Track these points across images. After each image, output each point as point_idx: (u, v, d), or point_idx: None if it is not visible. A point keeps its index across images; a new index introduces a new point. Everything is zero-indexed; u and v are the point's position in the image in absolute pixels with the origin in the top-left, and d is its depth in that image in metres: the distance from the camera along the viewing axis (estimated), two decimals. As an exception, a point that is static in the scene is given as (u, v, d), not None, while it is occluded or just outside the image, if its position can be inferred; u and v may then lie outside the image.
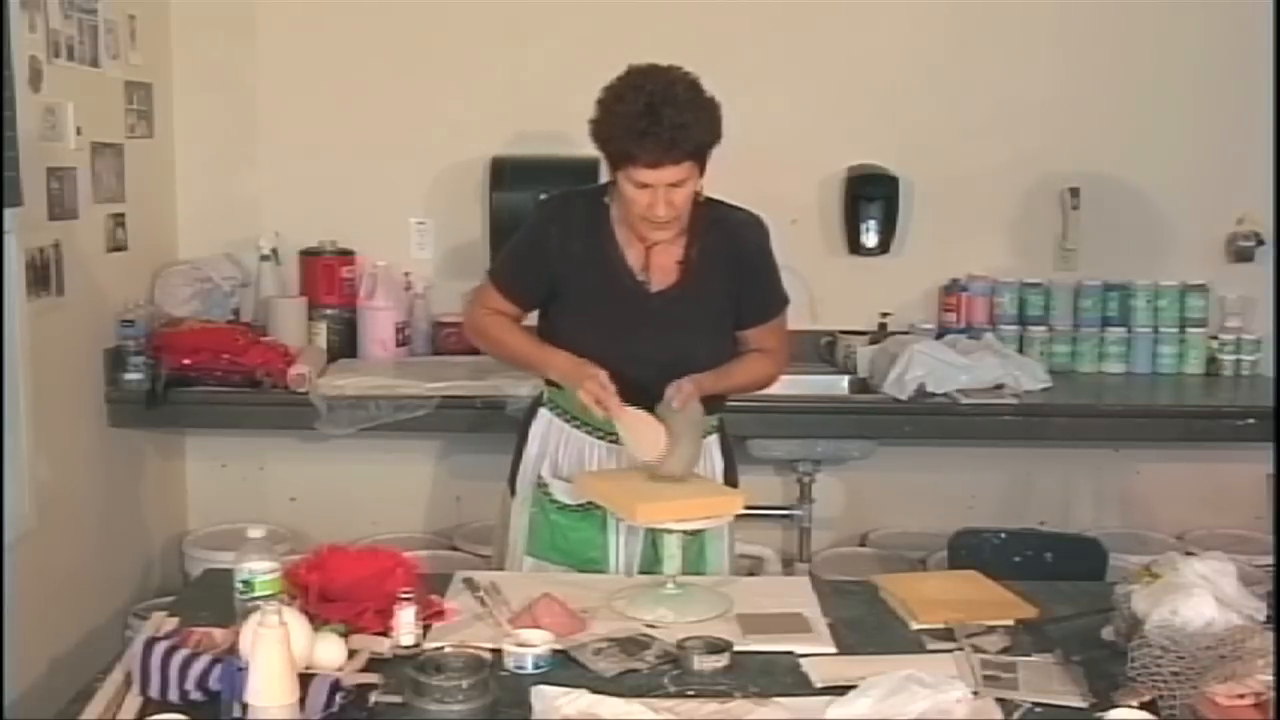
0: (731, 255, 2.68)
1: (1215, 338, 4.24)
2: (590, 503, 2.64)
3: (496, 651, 2.13)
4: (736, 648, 2.17)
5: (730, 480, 2.79)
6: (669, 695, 2.04)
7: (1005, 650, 2.22)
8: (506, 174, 4.09)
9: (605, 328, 2.62)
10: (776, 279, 2.76)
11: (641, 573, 2.63)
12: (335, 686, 1.92)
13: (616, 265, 2.65)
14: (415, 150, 4.23)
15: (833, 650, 2.23)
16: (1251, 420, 3.78)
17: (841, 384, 4.09)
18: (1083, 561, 3.36)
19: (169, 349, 3.75)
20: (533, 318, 2.79)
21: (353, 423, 3.69)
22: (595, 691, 1.97)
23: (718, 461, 2.78)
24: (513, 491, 2.80)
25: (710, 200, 2.65)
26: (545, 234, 2.68)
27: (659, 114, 2.43)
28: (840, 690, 1.98)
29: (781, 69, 4.16)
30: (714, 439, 2.77)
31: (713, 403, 2.65)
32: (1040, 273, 4.29)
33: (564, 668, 2.12)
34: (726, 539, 2.76)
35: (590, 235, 2.65)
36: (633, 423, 2.49)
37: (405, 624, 2.16)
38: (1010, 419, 3.80)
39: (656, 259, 2.65)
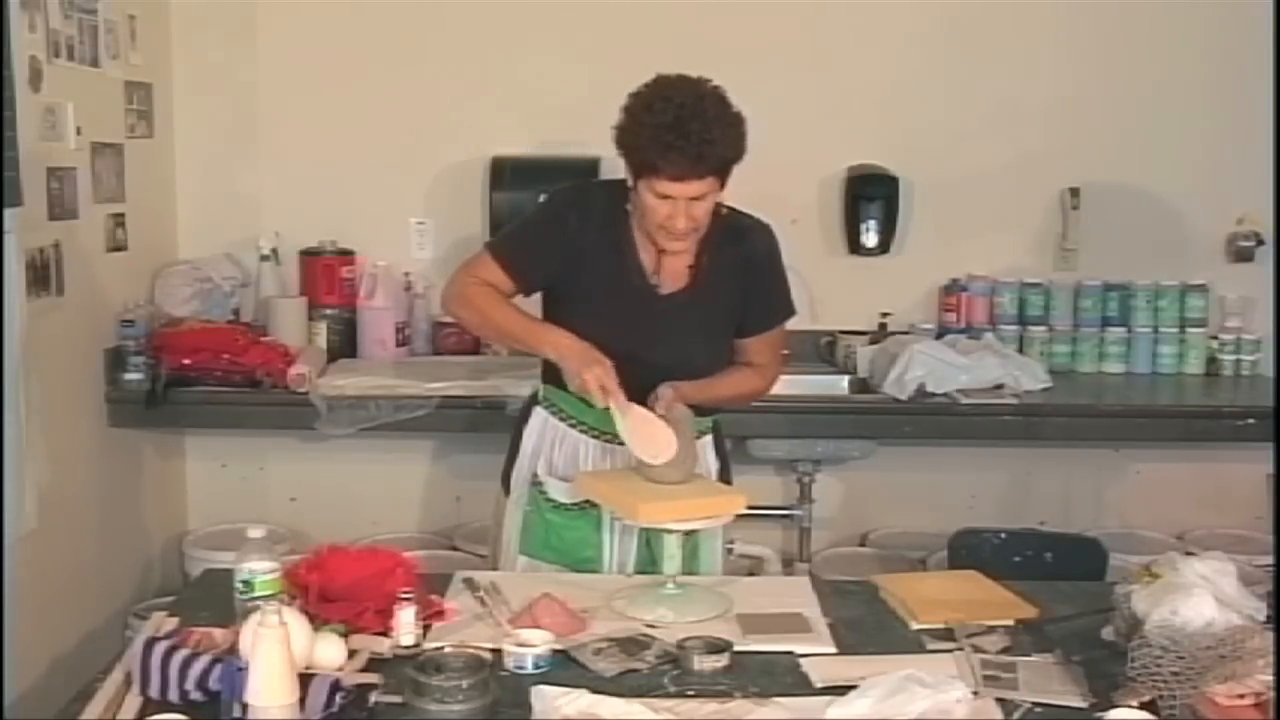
0: (741, 263, 2.67)
1: (1215, 338, 4.24)
2: (585, 501, 2.63)
3: (496, 651, 2.13)
4: (736, 648, 2.17)
5: (724, 480, 2.79)
6: (669, 695, 2.04)
7: (1005, 650, 2.22)
8: (506, 174, 4.09)
9: (610, 324, 2.60)
10: (784, 288, 2.75)
11: (637, 573, 2.63)
12: (335, 686, 1.92)
13: (629, 263, 2.64)
14: (415, 150, 4.23)
15: (833, 650, 2.23)
16: (1251, 420, 3.78)
17: (841, 384, 4.09)
18: (1083, 561, 3.37)
19: (169, 349, 3.75)
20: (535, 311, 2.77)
21: (353, 423, 3.69)
22: (595, 691, 1.97)
23: (713, 462, 2.78)
24: (506, 490, 2.79)
25: (724, 207, 2.63)
26: (564, 217, 2.65)
27: (687, 127, 2.41)
28: (840, 690, 1.98)
29: (781, 69, 4.16)
30: (708, 440, 2.77)
31: (703, 408, 2.65)
32: (1040, 273, 4.29)
33: (564, 668, 2.12)
34: (720, 538, 2.75)
35: (607, 229, 2.63)
36: (639, 422, 2.47)
37: (405, 624, 2.16)
38: (1010, 419, 3.80)
39: (669, 262, 2.64)
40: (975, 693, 2.02)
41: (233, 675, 1.89)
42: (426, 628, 2.23)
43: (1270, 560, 3.50)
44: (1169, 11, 4.18)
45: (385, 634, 2.17)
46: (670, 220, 2.51)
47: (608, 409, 2.49)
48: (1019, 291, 4.26)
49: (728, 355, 2.73)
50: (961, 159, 4.24)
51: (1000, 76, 4.23)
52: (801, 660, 2.17)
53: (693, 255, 2.65)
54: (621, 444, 2.58)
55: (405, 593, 2.18)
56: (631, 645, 2.19)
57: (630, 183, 2.57)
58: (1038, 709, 2.01)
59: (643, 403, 2.50)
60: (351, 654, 2.10)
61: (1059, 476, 4.33)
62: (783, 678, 2.11)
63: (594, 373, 2.46)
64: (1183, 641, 1.98)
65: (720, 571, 2.74)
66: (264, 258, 4.20)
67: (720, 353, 2.72)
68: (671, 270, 2.65)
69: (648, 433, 2.46)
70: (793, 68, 4.19)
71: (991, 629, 2.29)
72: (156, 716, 1.90)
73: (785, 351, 2.93)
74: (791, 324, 2.83)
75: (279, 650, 1.85)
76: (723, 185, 2.53)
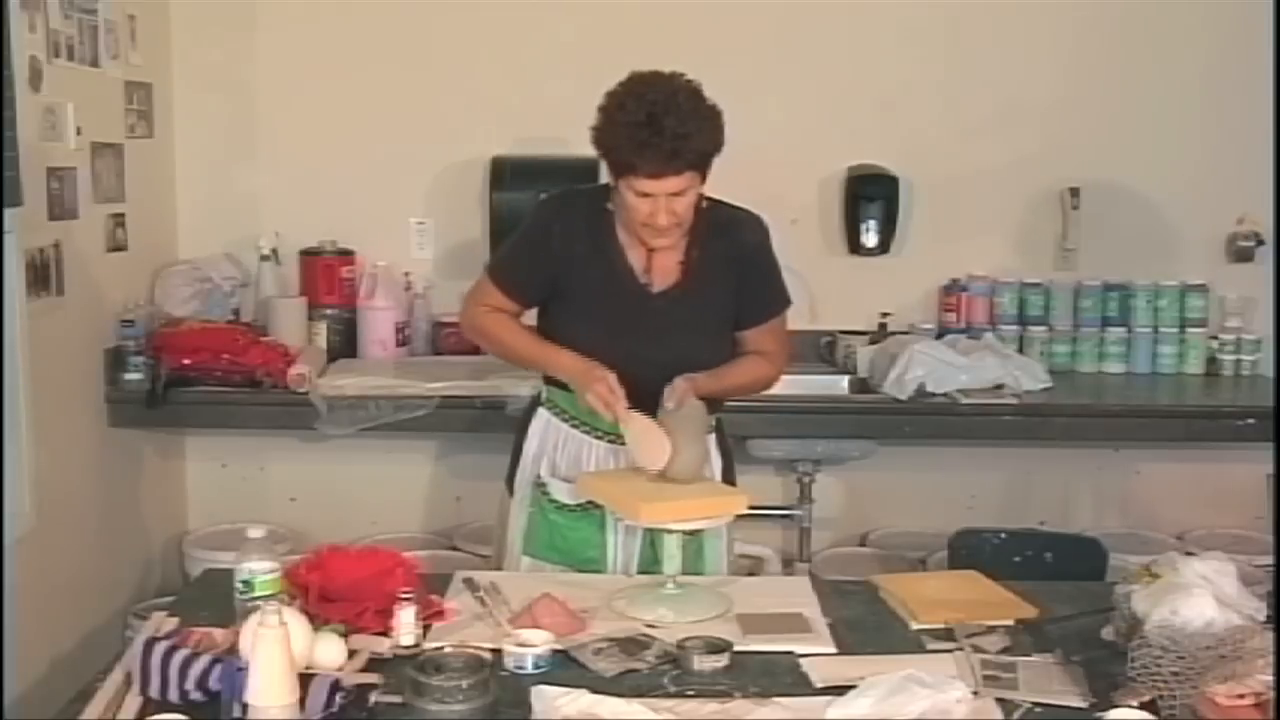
0: (733, 256, 2.68)
1: (1215, 338, 4.24)
2: (589, 502, 2.63)
3: (496, 651, 2.13)
4: (736, 648, 2.17)
5: (728, 479, 2.79)
6: (669, 695, 2.04)
7: (1005, 650, 2.22)
8: (506, 174, 4.09)
9: (606, 328, 2.62)
10: (778, 278, 2.76)
11: (640, 573, 2.63)
12: (335, 686, 1.92)
13: (618, 265, 2.64)
14: (415, 150, 4.23)
15: (833, 650, 2.23)
16: (1251, 420, 3.78)
17: (841, 384, 4.09)
18: (1083, 561, 3.36)
19: (169, 349, 3.75)
20: (531, 314, 2.78)
21: (353, 423, 3.69)
22: (595, 691, 1.97)
23: (716, 461, 2.78)
24: (510, 491, 2.80)
25: (711, 200, 2.64)
26: (547, 232, 2.67)
27: (660, 124, 2.42)
28: (840, 690, 1.98)
29: (781, 69, 4.16)
30: (711, 438, 2.77)
31: (710, 403, 2.65)
32: (1040, 273, 4.29)
33: (564, 668, 2.12)
34: (725, 539, 2.75)
35: (592, 235, 2.64)
36: (639, 430, 2.48)
37: (405, 624, 2.16)
38: (1010, 419, 3.80)
39: (658, 260, 2.65)
40: (975, 693, 2.02)
41: (233, 675, 1.89)
42: (426, 628, 2.23)
43: (1270, 560, 3.50)
44: (1168, 11, 4.18)
45: (385, 634, 2.17)
46: (652, 217, 2.52)
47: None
48: (1019, 291, 4.26)
49: (727, 348, 2.73)
50: (961, 159, 4.24)
51: (1000, 76, 4.23)
52: (801, 660, 2.17)
53: (682, 251, 2.65)
54: (625, 443, 2.58)
55: (405, 593, 2.18)
56: (631, 645, 2.19)
57: (612, 183, 2.57)
58: (1038, 709, 2.01)
59: (656, 401, 2.51)
60: (351, 654, 2.10)
61: (1059, 476, 4.33)
62: (783, 678, 2.11)
63: (594, 391, 2.50)
64: (1183, 641, 1.97)
65: (725, 572, 2.74)
66: (264, 258, 4.20)
67: (719, 346, 2.71)
68: (662, 268, 2.66)
69: (646, 442, 2.47)
70: (793, 68, 4.19)
71: (991, 629, 2.29)
72: (156, 716, 1.90)
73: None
74: (791, 324, 2.83)
75: (279, 650, 1.85)
76: (703, 179, 2.54)
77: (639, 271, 2.65)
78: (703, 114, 2.48)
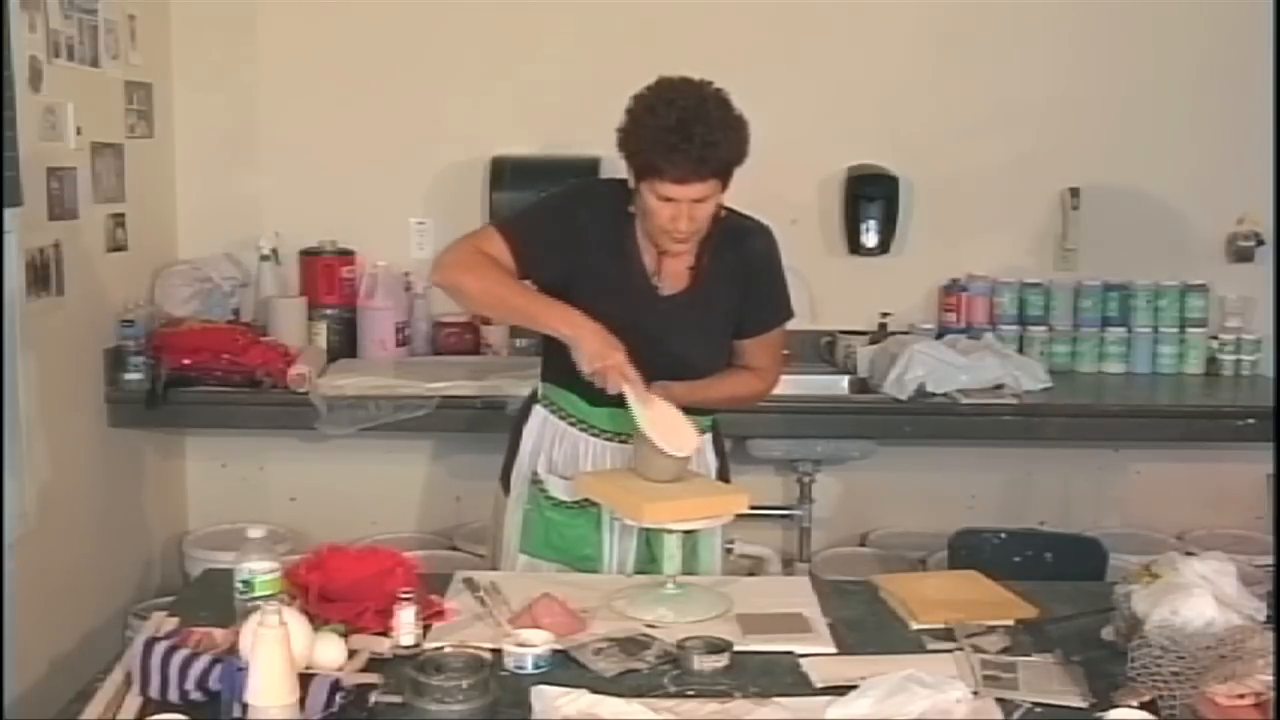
0: (742, 266, 2.67)
1: (1215, 338, 4.24)
2: (586, 499, 2.63)
3: (496, 651, 2.13)
4: (736, 648, 2.17)
5: (723, 479, 2.79)
6: (669, 695, 2.04)
7: (1005, 650, 2.22)
8: (506, 174, 4.09)
9: (610, 324, 2.59)
10: (783, 291, 2.75)
11: (637, 571, 2.63)
12: (335, 686, 1.92)
13: (632, 263, 2.64)
14: (415, 150, 4.23)
15: (833, 650, 2.23)
16: (1251, 420, 3.78)
17: (841, 384, 4.08)
18: (1083, 561, 3.37)
19: (169, 349, 3.75)
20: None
21: (353, 423, 3.69)
22: (595, 691, 1.97)
23: (712, 460, 2.78)
24: (506, 489, 2.79)
25: (724, 209, 2.63)
26: (575, 212, 2.65)
27: (690, 131, 2.41)
28: (840, 690, 1.98)
29: (781, 69, 4.16)
30: (708, 438, 2.77)
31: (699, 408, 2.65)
32: (1040, 273, 4.29)
33: (564, 668, 2.12)
34: (719, 536, 2.75)
35: (613, 227, 2.63)
36: (661, 413, 2.46)
37: (405, 624, 2.16)
38: (1010, 419, 3.80)
39: (669, 264, 2.64)
40: (975, 693, 2.02)
41: (233, 675, 1.89)
42: (426, 628, 2.23)
43: (1270, 560, 3.50)
44: (1168, 12, 4.19)
45: (385, 634, 2.17)
46: (673, 222, 2.51)
47: (610, 408, 2.51)
48: (1019, 291, 4.26)
49: (724, 356, 2.72)
50: (961, 159, 4.24)
51: (999, 76, 4.23)
52: (801, 660, 2.17)
53: (693, 257, 2.65)
54: (623, 441, 2.59)
55: (405, 593, 2.18)
56: (631, 645, 2.19)
57: (632, 184, 2.57)
58: (1038, 709, 2.01)
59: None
60: (351, 654, 2.10)
61: (1059, 476, 4.33)
62: (783, 678, 2.11)
63: (615, 359, 2.44)
64: (1183, 641, 1.98)
65: (719, 570, 2.74)
66: (264, 258, 4.20)
67: (718, 354, 2.71)
68: (672, 271, 2.65)
69: (670, 425, 2.45)
70: (793, 68, 4.19)
71: (991, 629, 2.29)
72: (156, 716, 1.90)
73: (785, 352, 2.92)
74: (791, 324, 2.83)
75: (279, 650, 1.85)
76: (725, 187, 2.53)
77: (650, 272, 2.65)
78: (730, 123, 2.48)
